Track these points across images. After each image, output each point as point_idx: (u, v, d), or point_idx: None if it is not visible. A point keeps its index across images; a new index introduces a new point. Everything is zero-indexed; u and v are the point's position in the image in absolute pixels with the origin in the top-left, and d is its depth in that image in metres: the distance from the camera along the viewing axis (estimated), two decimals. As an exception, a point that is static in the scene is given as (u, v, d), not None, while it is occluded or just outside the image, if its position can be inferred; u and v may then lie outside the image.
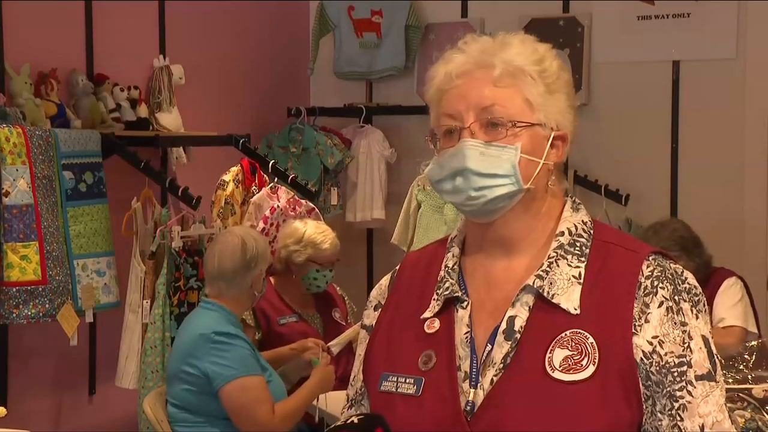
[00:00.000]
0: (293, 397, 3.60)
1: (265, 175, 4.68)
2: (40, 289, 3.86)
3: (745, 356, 3.64)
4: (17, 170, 3.83)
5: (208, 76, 5.23)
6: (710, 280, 4.22)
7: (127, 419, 4.56)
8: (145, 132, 4.60)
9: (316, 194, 4.97)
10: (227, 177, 4.53)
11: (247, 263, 3.62)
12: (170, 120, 4.80)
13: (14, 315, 3.81)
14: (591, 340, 1.54)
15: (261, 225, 4.46)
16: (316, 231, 4.30)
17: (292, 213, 4.56)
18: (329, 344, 3.97)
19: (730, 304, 4.19)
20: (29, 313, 3.83)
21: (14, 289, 3.81)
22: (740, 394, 3.40)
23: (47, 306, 3.88)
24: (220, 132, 4.88)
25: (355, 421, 1.55)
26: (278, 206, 4.52)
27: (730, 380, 3.46)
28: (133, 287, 4.25)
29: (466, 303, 1.63)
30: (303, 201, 4.65)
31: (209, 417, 3.49)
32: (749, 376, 3.54)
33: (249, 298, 3.69)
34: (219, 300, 3.61)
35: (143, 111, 4.69)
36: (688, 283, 1.60)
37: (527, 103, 1.61)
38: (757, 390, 3.42)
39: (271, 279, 4.28)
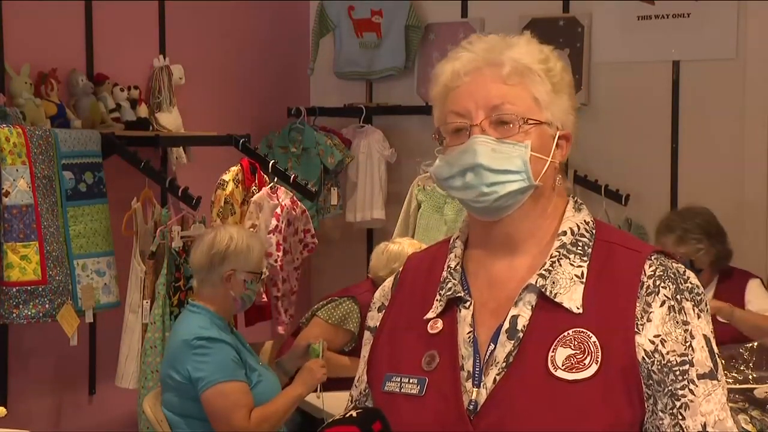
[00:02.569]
0: (273, 401, 3.52)
1: (265, 175, 4.68)
2: (40, 289, 3.86)
3: (745, 356, 3.65)
4: (17, 170, 3.82)
5: (208, 76, 5.22)
6: (731, 278, 4.22)
7: (127, 419, 4.56)
8: (145, 132, 4.60)
9: (316, 194, 4.96)
10: (227, 177, 4.53)
11: (210, 258, 3.57)
12: (170, 120, 4.80)
13: (14, 315, 3.81)
14: (594, 339, 1.54)
15: (274, 222, 4.47)
16: (413, 244, 4.24)
17: (294, 213, 4.60)
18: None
19: (765, 297, 4.18)
20: (29, 313, 3.83)
21: (14, 289, 3.81)
22: (738, 395, 3.40)
23: (47, 306, 3.87)
24: (220, 132, 4.87)
25: (354, 415, 1.55)
26: (285, 203, 4.55)
27: (731, 380, 3.46)
28: (133, 287, 4.25)
29: (468, 303, 1.63)
30: (298, 202, 4.67)
31: (201, 422, 3.48)
32: (750, 377, 3.54)
33: (226, 298, 3.59)
34: (199, 299, 3.60)
35: (143, 111, 4.69)
36: (690, 283, 1.60)
37: (535, 102, 1.61)
38: (759, 391, 3.42)
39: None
